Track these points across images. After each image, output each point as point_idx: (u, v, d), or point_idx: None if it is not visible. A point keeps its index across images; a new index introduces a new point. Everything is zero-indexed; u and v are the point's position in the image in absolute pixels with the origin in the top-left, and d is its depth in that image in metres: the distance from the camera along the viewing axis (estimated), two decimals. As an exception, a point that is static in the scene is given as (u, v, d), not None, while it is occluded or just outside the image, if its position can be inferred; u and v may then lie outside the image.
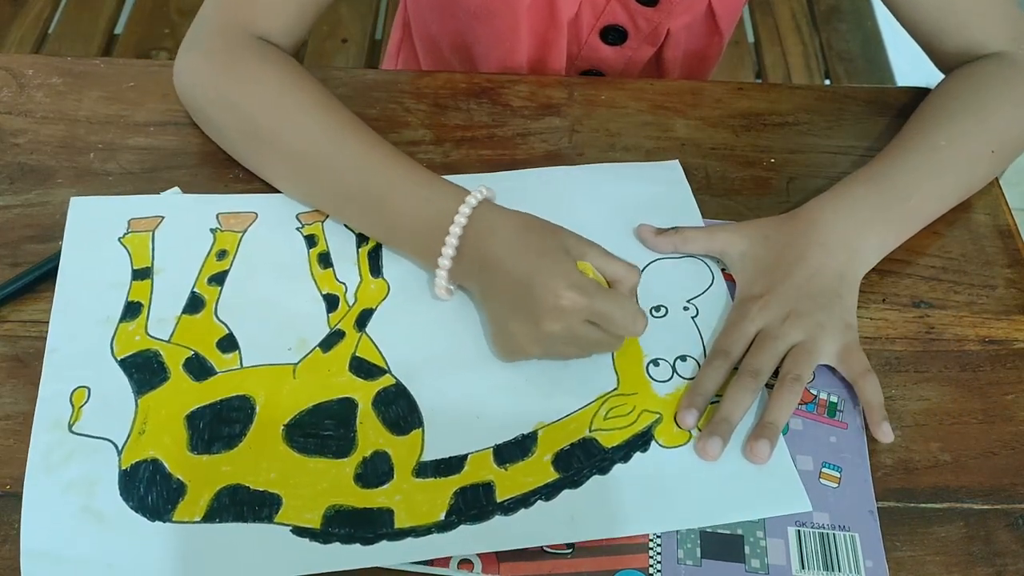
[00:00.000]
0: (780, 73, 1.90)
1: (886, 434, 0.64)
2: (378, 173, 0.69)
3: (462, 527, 0.59)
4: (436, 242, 0.67)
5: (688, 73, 1.00)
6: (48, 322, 0.67)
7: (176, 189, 0.76)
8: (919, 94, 0.83)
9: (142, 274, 0.70)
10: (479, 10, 0.89)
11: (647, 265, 0.73)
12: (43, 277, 0.70)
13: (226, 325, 0.68)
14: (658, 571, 0.59)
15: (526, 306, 0.63)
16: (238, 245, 0.72)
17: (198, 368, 0.66)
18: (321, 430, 0.63)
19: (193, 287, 0.70)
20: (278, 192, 0.76)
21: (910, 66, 1.87)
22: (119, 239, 0.72)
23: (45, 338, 0.66)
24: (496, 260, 0.65)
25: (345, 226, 0.74)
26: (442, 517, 0.60)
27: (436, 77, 0.86)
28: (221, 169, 0.78)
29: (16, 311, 0.69)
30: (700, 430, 0.64)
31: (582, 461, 0.63)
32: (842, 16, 2.03)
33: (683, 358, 0.69)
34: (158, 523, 0.59)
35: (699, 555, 0.60)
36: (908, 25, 0.84)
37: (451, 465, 0.62)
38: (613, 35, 0.92)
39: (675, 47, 0.94)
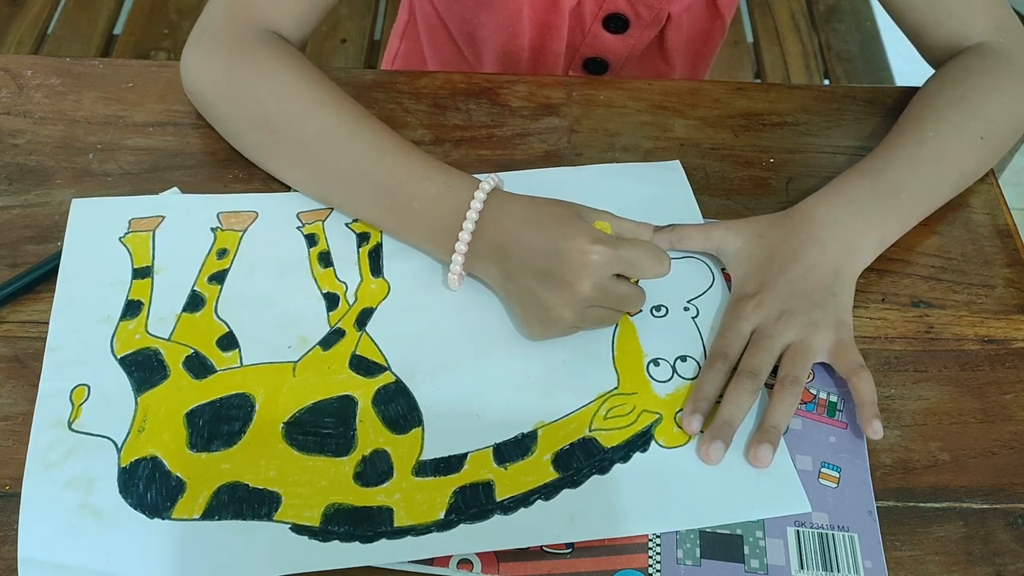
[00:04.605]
0: (779, 73, 1.90)
1: (876, 431, 0.64)
2: (395, 159, 0.70)
3: (462, 526, 0.59)
4: (452, 228, 0.67)
5: (692, 56, 1.01)
6: (47, 323, 0.67)
7: (175, 189, 0.76)
8: (918, 94, 0.83)
9: (142, 273, 0.70)
10: None
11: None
12: (42, 278, 0.70)
13: (226, 323, 0.68)
14: (657, 571, 0.59)
15: (555, 272, 0.64)
16: (239, 244, 0.72)
17: (198, 366, 0.66)
18: (321, 428, 0.63)
19: (193, 286, 0.70)
20: (279, 192, 0.76)
21: (909, 66, 1.87)
22: (120, 239, 0.72)
23: (44, 339, 0.66)
24: (516, 238, 0.66)
25: (346, 226, 0.74)
26: (442, 516, 0.60)
27: (435, 77, 0.86)
28: (220, 169, 0.78)
29: (15, 312, 0.69)
30: (702, 432, 0.64)
31: (582, 461, 0.63)
32: (841, 16, 2.03)
33: (683, 358, 0.69)
34: (157, 520, 0.59)
35: (698, 555, 0.60)
36: (896, 16, 0.85)
37: (451, 464, 0.62)
38: (616, 23, 0.93)
39: (677, 29, 0.95)
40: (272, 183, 0.76)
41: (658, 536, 0.60)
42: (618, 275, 0.65)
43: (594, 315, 0.67)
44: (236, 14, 0.76)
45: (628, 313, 0.70)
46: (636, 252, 0.65)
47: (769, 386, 0.66)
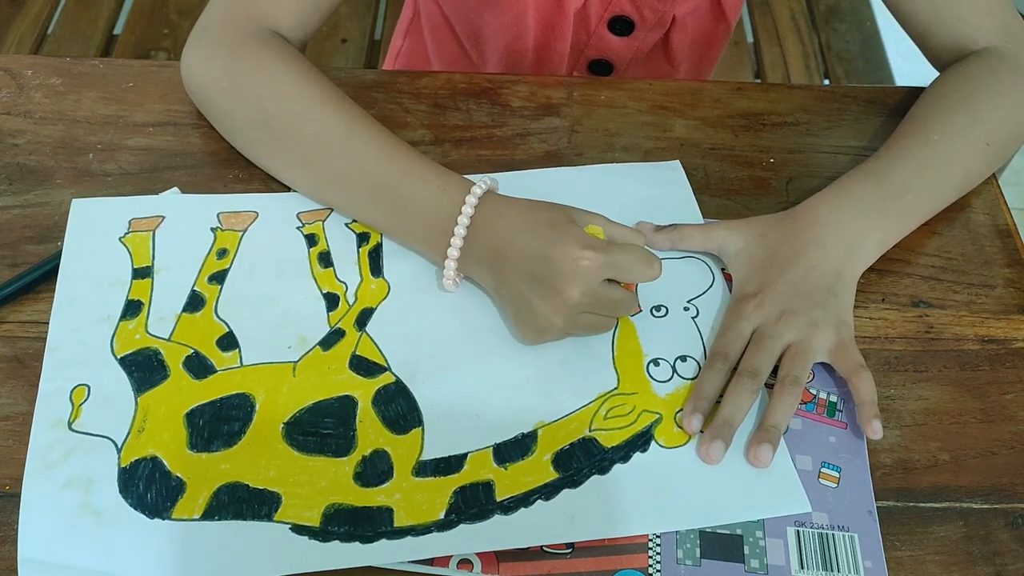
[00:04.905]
0: (779, 73, 1.90)
1: (876, 431, 0.64)
2: (392, 161, 0.70)
3: (462, 526, 0.59)
4: (446, 231, 0.67)
5: (696, 59, 1.01)
6: (47, 323, 0.67)
7: (175, 189, 0.76)
8: (918, 94, 0.83)
9: (142, 273, 0.70)
10: None
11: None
12: (42, 278, 0.70)
13: (226, 323, 0.68)
14: (657, 571, 0.59)
15: (546, 278, 0.64)
16: (239, 244, 0.72)
17: (198, 366, 0.66)
18: (321, 428, 0.63)
19: (193, 286, 0.70)
20: (279, 192, 0.76)
21: (909, 66, 1.87)
22: (120, 239, 0.72)
23: (44, 339, 0.66)
24: (508, 242, 0.66)
25: (346, 226, 0.74)
26: (442, 516, 0.60)
27: (436, 77, 0.86)
28: (220, 169, 0.78)
29: (15, 312, 0.69)
30: (702, 432, 0.64)
31: (582, 461, 0.63)
32: (841, 16, 2.03)
33: (683, 358, 0.69)
34: (157, 520, 0.59)
35: (698, 555, 0.60)
36: (902, 19, 0.85)
37: (451, 464, 0.62)
38: (620, 25, 0.93)
39: (682, 31, 0.95)
40: (272, 183, 0.76)
41: (658, 536, 0.60)
42: (610, 280, 0.65)
43: (586, 321, 0.66)
44: (238, 13, 0.76)
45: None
46: (626, 257, 0.65)
47: (769, 386, 0.66)
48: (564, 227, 0.65)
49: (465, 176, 0.70)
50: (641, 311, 0.71)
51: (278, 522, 0.59)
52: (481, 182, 0.68)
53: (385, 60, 1.19)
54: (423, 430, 0.64)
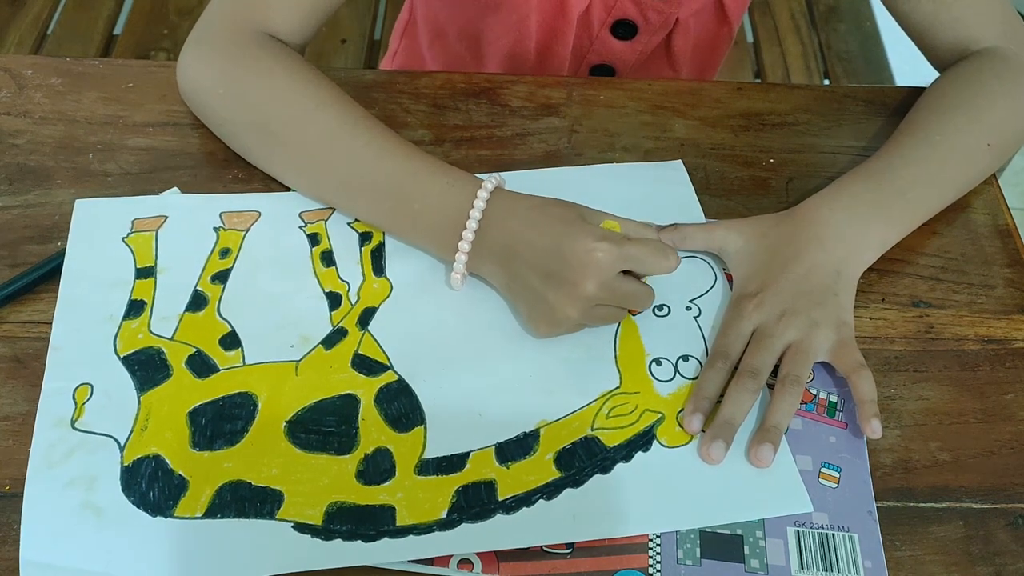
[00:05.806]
0: (779, 73, 1.89)
1: (875, 430, 0.64)
2: (397, 160, 0.70)
3: (464, 525, 0.60)
4: (455, 228, 0.67)
5: (699, 63, 1.01)
6: (47, 323, 0.67)
7: (175, 189, 0.76)
8: (918, 94, 0.83)
9: (145, 273, 0.70)
10: (491, 0, 0.90)
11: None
12: (43, 278, 0.70)
13: (229, 323, 0.68)
14: (658, 571, 0.59)
15: (560, 272, 0.64)
16: (241, 243, 0.72)
17: (200, 365, 0.66)
18: (323, 426, 0.63)
19: (196, 285, 0.70)
20: (282, 191, 0.76)
21: (909, 66, 1.87)
22: (123, 239, 0.72)
23: (44, 339, 0.67)
24: (520, 239, 0.66)
25: (348, 225, 0.74)
26: (444, 515, 0.60)
27: (435, 77, 0.86)
28: (220, 169, 0.78)
29: (15, 312, 0.69)
30: (703, 432, 0.64)
31: (584, 460, 0.63)
32: (841, 16, 2.03)
33: (685, 358, 0.69)
34: (159, 519, 0.59)
35: (699, 555, 0.60)
36: (902, 19, 0.85)
37: (453, 463, 0.62)
38: (623, 29, 0.93)
39: (684, 34, 0.95)
40: (272, 183, 0.76)
41: (658, 536, 0.60)
42: (625, 273, 0.65)
43: (600, 313, 0.67)
44: (236, 17, 0.76)
45: (631, 312, 0.70)
46: (641, 249, 0.65)
47: (770, 386, 0.67)
48: (576, 222, 0.65)
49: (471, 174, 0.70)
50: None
51: (280, 520, 0.59)
52: (491, 179, 0.68)
53: (382, 61, 1.18)
54: (425, 428, 0.64)
